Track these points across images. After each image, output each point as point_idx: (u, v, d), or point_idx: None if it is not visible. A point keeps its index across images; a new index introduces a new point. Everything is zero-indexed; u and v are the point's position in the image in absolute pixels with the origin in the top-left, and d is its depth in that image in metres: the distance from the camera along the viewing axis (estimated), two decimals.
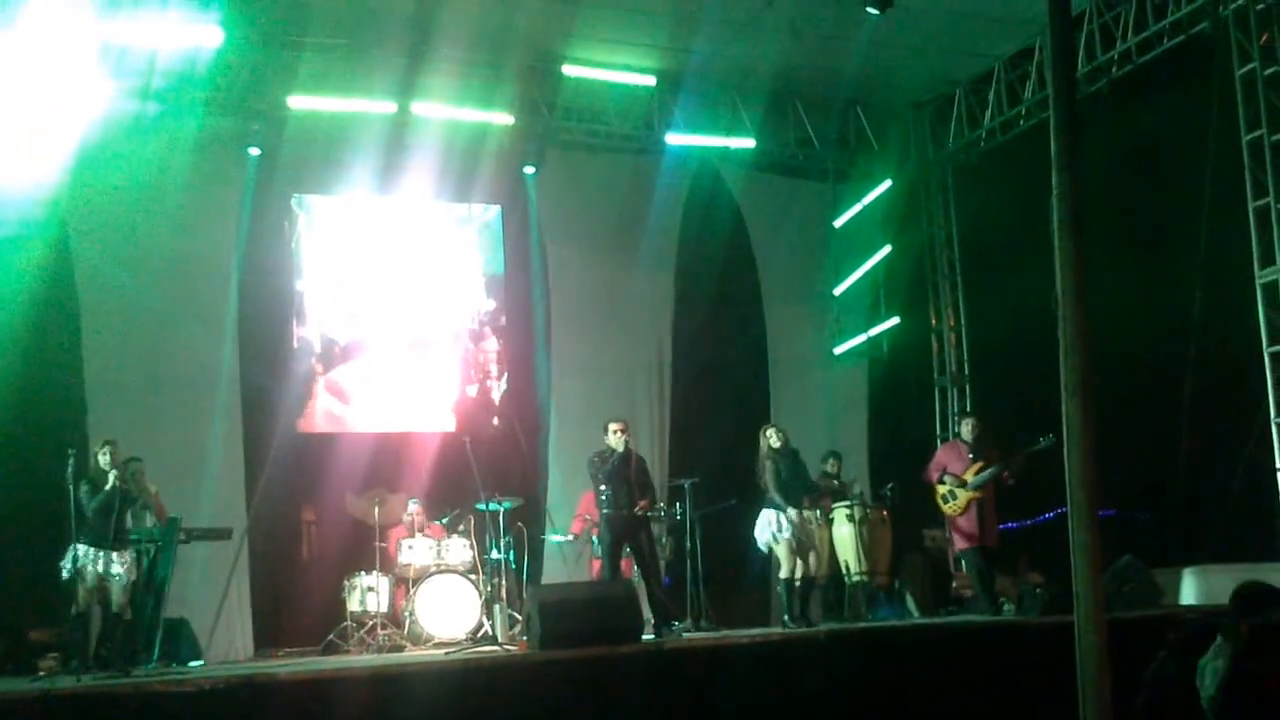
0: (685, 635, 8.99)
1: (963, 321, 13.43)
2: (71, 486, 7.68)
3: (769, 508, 9.33)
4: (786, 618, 9.16)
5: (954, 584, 11.12)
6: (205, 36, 9.99)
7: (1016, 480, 9.53)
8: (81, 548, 7.96)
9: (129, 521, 8.34)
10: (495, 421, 11.90)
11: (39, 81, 9.65)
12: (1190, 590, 9.72)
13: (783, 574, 9.32)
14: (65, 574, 7.99)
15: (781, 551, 9.29)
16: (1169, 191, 10.52)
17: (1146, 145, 10.41)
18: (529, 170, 11.97)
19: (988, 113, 12.23)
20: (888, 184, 12.97)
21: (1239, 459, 9.63)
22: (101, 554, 8.03)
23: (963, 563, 10.30)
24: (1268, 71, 9.54)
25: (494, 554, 9.72)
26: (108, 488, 8.03)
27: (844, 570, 10.01)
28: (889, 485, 10.86)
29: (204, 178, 10.58)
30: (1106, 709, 3.92)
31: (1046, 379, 4.33)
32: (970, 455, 9.66)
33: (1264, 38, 9.54)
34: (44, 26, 9.45)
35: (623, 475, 8.98)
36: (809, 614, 9.47)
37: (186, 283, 10.59)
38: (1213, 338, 9.87)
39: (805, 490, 9.44)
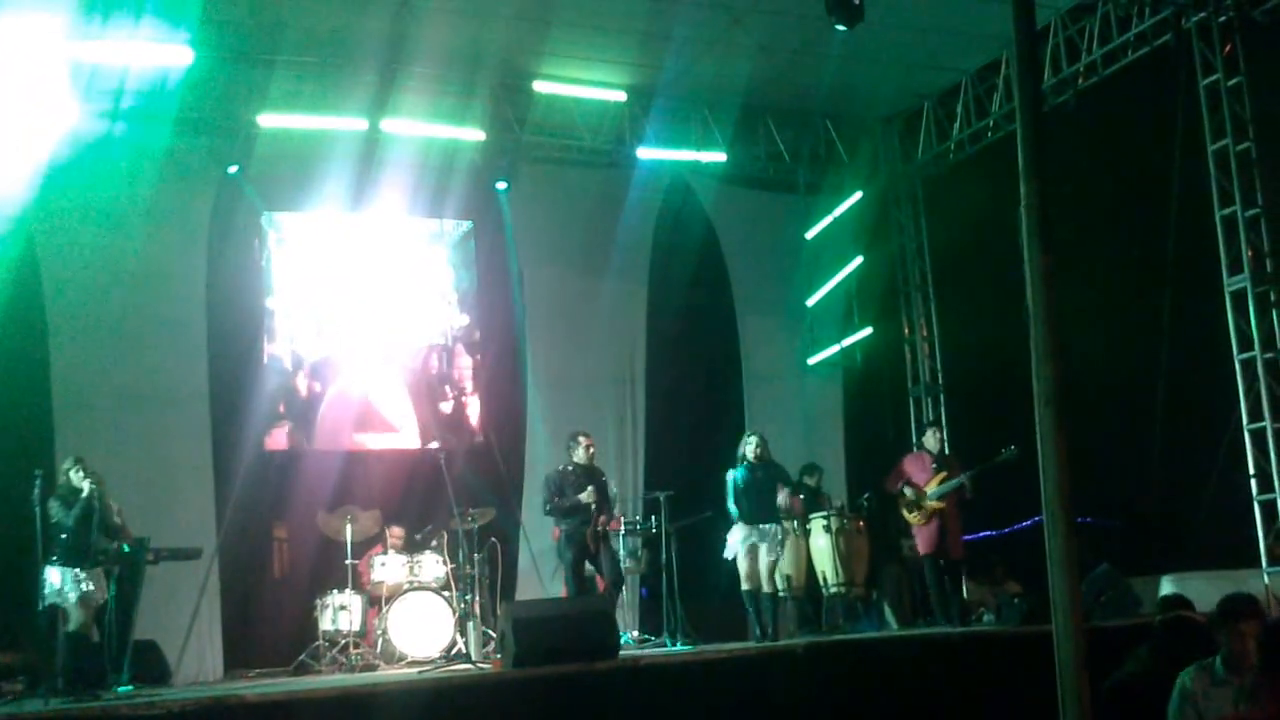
0: (661, 650, 8.94)
1: (935, 331, 13.48)
2: (38, 508, 7.55)
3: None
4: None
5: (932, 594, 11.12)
6: (175, 56, 9.95)
7: (974, 494, 9.48)
8: (58, 569, 7.78)
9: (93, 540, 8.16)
10: (471, 437, 11.84)
11: (8, 100, 9.59)
12: None
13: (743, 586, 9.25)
14: (45, 597, 7.75)
15: (739, 565, 9.23)
16: (1136, 201, 10.61)
17: (1114, 156, 10.50)
18: (501, 186, 11.94)
19: (956, 125, 12.32)
20: (858, 196, 13.04)
21: (1213, 465, 9.69)
22: (81, 571, 7.82)
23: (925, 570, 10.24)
24: (1231, 82, 9.67)
25: (468, 570, 9.66)
26: (84, 495, 7.85)
27: (821, 581, 9.99)
28: (865, 495, 10.82)
29: (173, 196, 10.53)
30: (1087, 719, 3.91)
31: (1020, 387, 4.33)
32: (934, 466, 9.69)
33: (1227, 48, 9.66)
34: (13, 46, 9.40)
35: (580, 491, 8.94)
36: (773, 627, 9.26)
37: (156, 301, 10.50)
38: (1184, 345, 9.94)
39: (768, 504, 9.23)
